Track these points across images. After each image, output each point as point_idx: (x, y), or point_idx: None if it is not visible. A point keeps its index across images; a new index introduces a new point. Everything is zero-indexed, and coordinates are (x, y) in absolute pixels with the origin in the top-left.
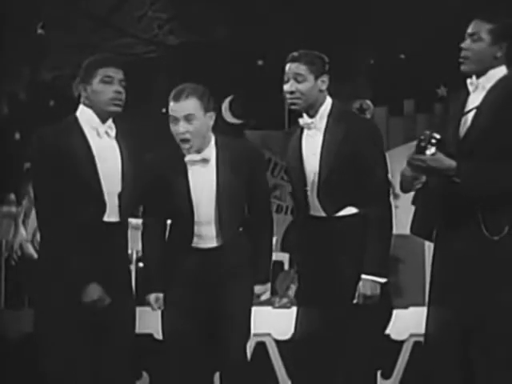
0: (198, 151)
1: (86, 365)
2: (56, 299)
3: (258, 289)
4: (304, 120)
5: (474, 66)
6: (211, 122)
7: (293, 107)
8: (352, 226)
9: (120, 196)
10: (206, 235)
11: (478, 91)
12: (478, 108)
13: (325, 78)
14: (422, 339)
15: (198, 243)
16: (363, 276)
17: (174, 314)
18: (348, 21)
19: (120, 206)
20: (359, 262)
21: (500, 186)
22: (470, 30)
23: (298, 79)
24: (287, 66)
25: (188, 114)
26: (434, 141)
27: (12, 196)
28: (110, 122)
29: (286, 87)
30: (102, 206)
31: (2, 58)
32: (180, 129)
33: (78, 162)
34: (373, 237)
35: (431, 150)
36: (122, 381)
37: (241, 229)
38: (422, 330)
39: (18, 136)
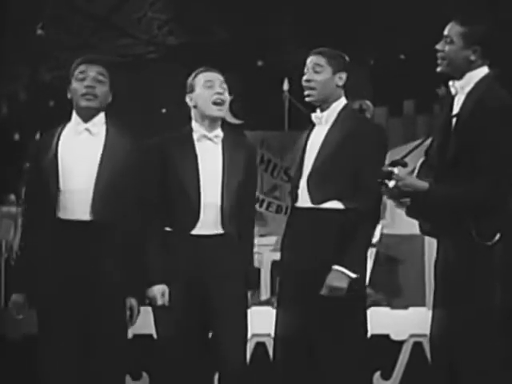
0: (210, 129)
1: (78, 365)
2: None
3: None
4: (316, 114)
5: (449, 68)
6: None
7: (308, 99)
8: (334, 220)
9: (94, 195)
10: (210, 220)
11: (459, 94)
12: (456, 116)
13: (343, 74)
14: (421, 340)
15: (199, 229)
16: (333, 267)
17: (169, 311)
18: (348, 21)
19: (93, 206)
20: (336, 257)
21: (471, 204)
22: (445, 32)
23: (316, 69)
24: (308, 59)
25: (223, 81)
26: (395, 174)
27: (12, 196)
28: (95, 119)
29: (304, 77)
30: (53, 204)
31: (2, 58)
32: (218, 89)
33: (44, 160)
34: (353, 232)
35: (390, 185)
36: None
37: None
38: (422, 331)
39: (17, 136)
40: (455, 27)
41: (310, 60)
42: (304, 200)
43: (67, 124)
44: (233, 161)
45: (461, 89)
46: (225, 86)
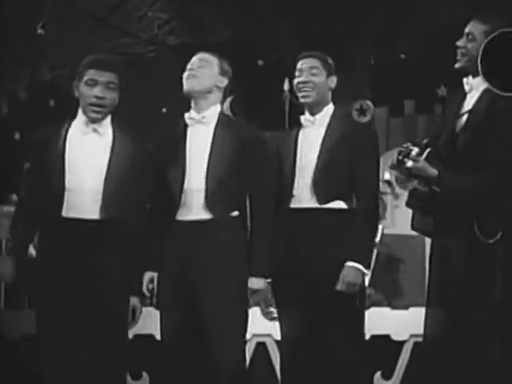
0: (199, 110)
1: (80, 364)
2: (50, 298)
3: (253, 282)
4: (306, 117)
5: (468, 65)
6: (222, 85)
7: (304, 100)
8: (338, 220)
9: (104, 194)
10: (194, 205)
11: (473, 92)
12: (470, 112)
13: (334, 78)
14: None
15: (184, 214)
16: (348, 263)
17: (163, 307)
18: (348, 21)
19: (103, 204)
20: (340, 255)
21: (477, 196)
22: (466, 30)
23: (313, 71)
24: (300, 62)
25: (202, 59)
26: (413, 153)
27: (13, 196)
28: (102, 121)
29: (300, 79)
30: (59, 203)
31: (2, 57)
32: (189, 65)
33: (49, 158)
34: (359, 228)
35: (408, 164)
36: (114, 379)
37: (236, 213)
38: (423, 331)
39: (17, 136)
40: (477, 25)
41: (304, 62)
42: (306, 200)
43: (72, 122)
44: (223, 143)
45: (476, 86)
46: (213, 67)
